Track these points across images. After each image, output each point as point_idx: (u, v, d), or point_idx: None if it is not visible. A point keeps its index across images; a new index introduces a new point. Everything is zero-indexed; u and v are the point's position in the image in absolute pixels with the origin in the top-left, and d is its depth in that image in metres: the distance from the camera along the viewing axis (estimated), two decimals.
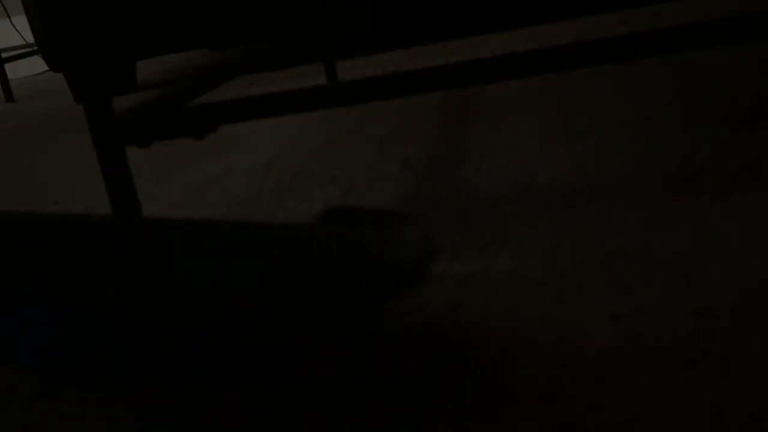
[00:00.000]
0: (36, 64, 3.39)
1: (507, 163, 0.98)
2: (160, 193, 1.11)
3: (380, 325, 0.59)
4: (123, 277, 0.53)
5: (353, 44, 2.17)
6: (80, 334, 0.52)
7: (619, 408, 0.46)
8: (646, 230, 0.70)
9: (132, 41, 0.77)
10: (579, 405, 0.47)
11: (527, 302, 0.60)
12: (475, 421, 0.47)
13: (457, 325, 0.58)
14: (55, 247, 0.62)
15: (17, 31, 3.27)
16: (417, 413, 0.48)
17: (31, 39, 3.08)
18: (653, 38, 0.70)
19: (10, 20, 3.25)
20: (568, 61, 0.71)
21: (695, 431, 0.43)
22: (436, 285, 0.65)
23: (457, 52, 1.93)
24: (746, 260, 0.61)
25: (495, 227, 0.77)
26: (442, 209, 0.86)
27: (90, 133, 0.77)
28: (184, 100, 0.87)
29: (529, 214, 0.79)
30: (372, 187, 0.98)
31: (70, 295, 0.53)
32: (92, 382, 0.59)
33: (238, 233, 0.58)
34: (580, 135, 1.04)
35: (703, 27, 0.69)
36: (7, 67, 2.79)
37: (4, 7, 3.12)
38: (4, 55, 2.82)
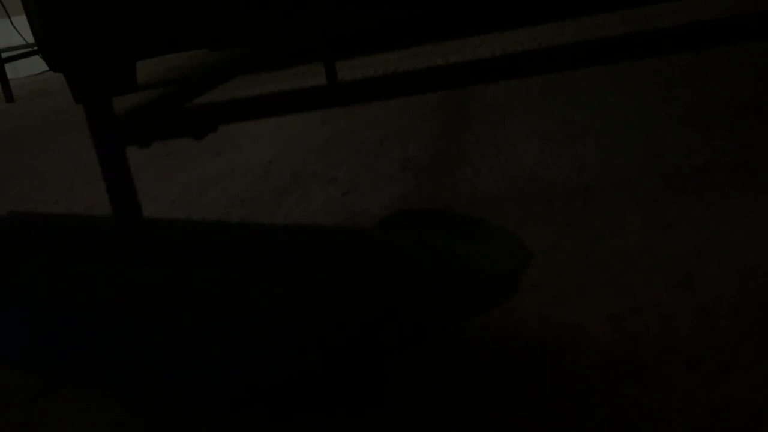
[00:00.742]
0: (36, 64, 3.39)
1: (507, 162, 0.98)
2: (160, 193, 1.11)
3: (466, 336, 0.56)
4: (194, 284, 0.51)
5: (353, 44, 2.17)
6: (141, 345, 0.49)
7: (618, 408, 0.46)
8: (646, 230, 0.70)
9: (132, 41, 0.77)
10: (578, 405, 0.47)
11: (527, 302, 0.60)
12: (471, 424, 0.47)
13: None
14: (110, 251, 0.61)
15: (17, 31, 3.27)
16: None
17: (31, 39, 3.08)
18: (653, 38, 0.70)
19: (10, 20, 3.25)
20: (568, 61, 0.71)
21: (695, 431, 0.43)
22: None
23: (457, 52, 1.93)
24: (746, 260, 0.61)
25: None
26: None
27: (90, 133, 0.77)
28: (184, 100, 0.87)
29: (529, 214, 0.79)
30: (372, 187, 0.98)
31: (130, 303, 0.50)
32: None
33: (319, 238, 0.55)
34: (580, 135, 1.04)
35: (703, 27, 0.69)
36: (7, 67, 2.79)
37: (4, 7, 3.12)
38: (4, 55, 2.82)
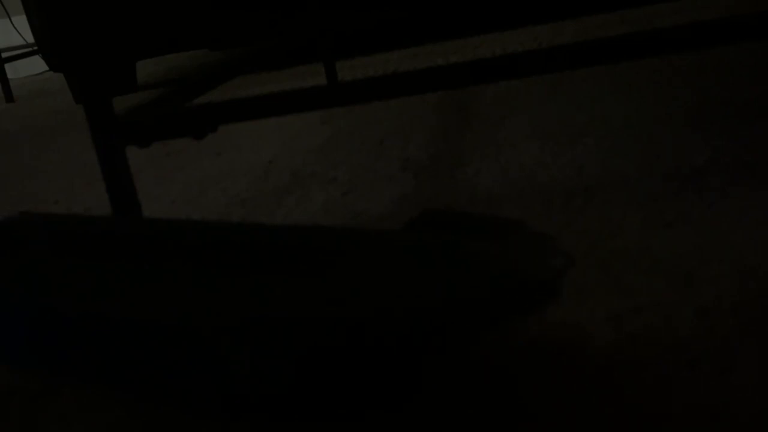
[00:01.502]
0: (36, 64, 3.39)
1: (507, 162, 0.98)
2: (160, 193, 1.11)
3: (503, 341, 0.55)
4: (221, 288, 0.49)
5: (353, 44, 2.16)
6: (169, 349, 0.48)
7: (619, 408, 0.46)
8: (646, 230, 0.70)
9: (132, 41, 0.77)
10: (577, 405, 0.47)
11: None
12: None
13: None
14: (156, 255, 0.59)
15: (17, 31, 3.27)
16: None
17: (31, 39, 3.08)
18: (653, 38, 0.70)
19: (10, 20, 3.24)
20: (568, 61, 0.71)
21: (696, 431, 0.43)
22: None
23: (457, 52, 1.93)
24: (747, 260, 0.61)
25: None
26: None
27: (90, 133, 0.77)
28: (184, 100, 0.87)
29: (529, 214, 0.79)
30: (372, 187, 0.98)
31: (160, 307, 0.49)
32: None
33: (354, 240, 0.54)
34: (580, 135, 1.04)
35: (703, 27, 0.69)
36: (7, 67, 2.79)
37: (4, 7, 3.12)
38: (4, 55, 2.82)
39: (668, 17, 1.78)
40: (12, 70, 2.95)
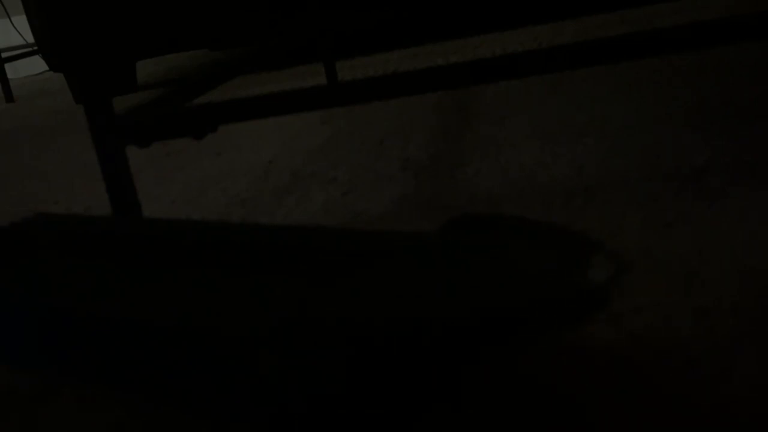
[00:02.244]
0: (36, 64, 3.39)
1: (507, 162, 0.98)
2: (160, 193, 1.11)
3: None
4: (256, 291, 0.47)
5: (353, 44, 2.16)
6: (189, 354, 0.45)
7: (621, 409, 0.46)
8: (646, 230, 0.70)
9: (132, 41, 0.77)
10: (577, 403, 0.46)
11: None
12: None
13: None
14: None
15: (17, 31, 3.27)
16: None
17: (31, 39, 3.08)
18: (653, 38, 0.70)
19: (10, 20, 3.24)
20: (568, 61, 0.71)
21: (698, 431, 0.43)
22: None
23: (457, 52, 1.93)
24: (746, 260, 0.61)
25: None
26: (442, 209, 0.86)
27: (90, 133, 0.77)
28: (184, 100, 0.87)
29: (529, 215, 0.79)
30: (372, 187, 0.98)
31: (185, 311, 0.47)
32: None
33: (390, 243, 0.52)
34: (580, 135, 1.04)
35: (703, 27, 0.69)
36: (7, 67, 2.79)
37: (4, 7, 3.12)
38: (4, 55, 2.82)
39: (668, 17, 1.78)
40: (12, 70, 2.95)
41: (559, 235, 0.53)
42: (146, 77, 2.68)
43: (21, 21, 3.03)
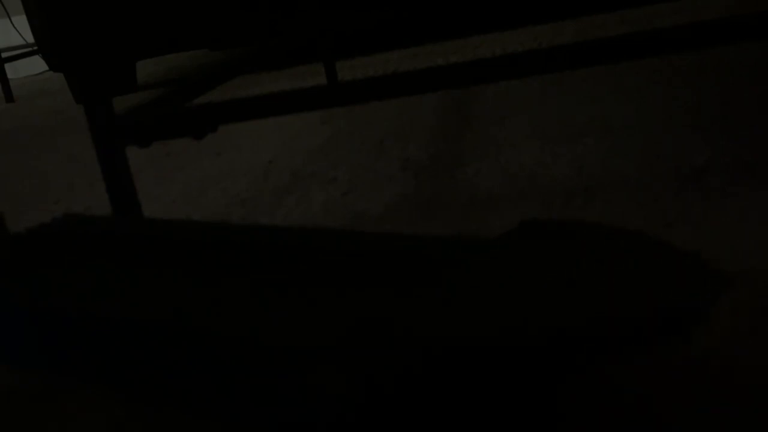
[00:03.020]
0: (36, 64, 3.39)
1: (507, 162, 0.98)
2: (160, 193, 1.11)
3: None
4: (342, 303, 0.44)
5: (353, 44, 2.16)
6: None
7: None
8: (646, 230, 0.70)
9: (132, 41, 0.77)
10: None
11: None
12: None
13: None
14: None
15: (17, 31, 3.27)
16: None
17: (31, 39, 3.08)
18: (653, 38, 0.70)
19: (10, 20, 3.24)
20: (568, 61, 0.71)
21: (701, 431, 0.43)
22: None
23: (457, 52, 1.93)
24: (746, 260, 0.61)
25: (496, 228, 0.77)
26: (442, 209, 0.86)
27: (90, 133, 0.77)
28: (184, 100, 0.87)
29: (529, 215, 0.79)
30: (372, 187, 0.98)
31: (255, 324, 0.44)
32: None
33: (464, 250, 0.49)
34: (580, 135, 1.04)
35: (703, 27, 0.69)
36: (7, 67, 2.79)
37: (4, 7, 3.12)
38: (4, 55, 2.82)
39: (668, 17, 1.78)
40: (12, 70, 2.95)
41: (654, 246, 0.50)
42: (146, 77, 2.68)
43: (21, 21, 3.03)
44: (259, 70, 2.04)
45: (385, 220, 0.86)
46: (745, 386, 0.46)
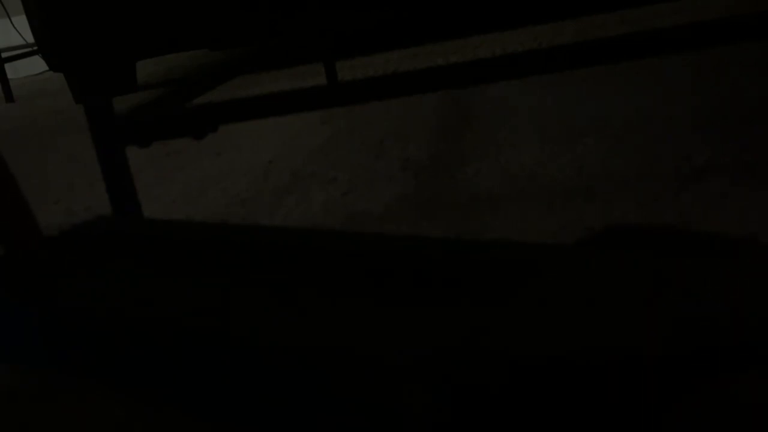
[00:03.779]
0: (36, 64, 3.39)
1: (507, 162, 0.98)
2: (160, 193, 1.11)
3: None
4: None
5: (353, 44, 2.16)
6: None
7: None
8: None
9: (132, 41, 0.77)
10: None
11: None
12: None
13: None
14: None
15: (17, 31, 3.27)
16: None
17: (31, 39, 3.08)
18: (653, 38, 0.70)
19: (10, 20, 3.24)
20: (568, 61, 0.71)
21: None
22: None
23: (457, 52, 1.93)
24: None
25: (496, 228, 0.77)
26: (443, 209, 0.86)
27: (90, 133, 0.77)
28: (184, 100, 0.87)
29: (529, 214, 0.79)
30: (372, 187, 0.98)
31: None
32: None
33: (553, 257, 0.44)
34: (580, 135, 1.04)
35: (703, 27, 0.69)
36: (7, 67, 2.79)
37: (4, 7, 3.12)
38: (4, 55, 2.82)
39: (668, 17, 1.78)
40: (12, 70, 2.95)
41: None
42: (146, 77, 2.68)
43: (21, 21, 3.03)
44: (259, 70, 2.04)
45: (385, 220, 0.86)
46: None
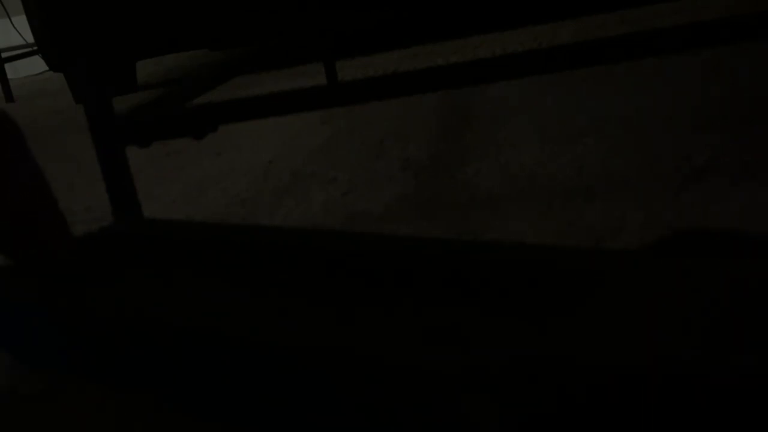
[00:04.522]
0: (36, 64, 3.39)
1: (507, 163, 0.98)
2: (160, 193, 1.11)
3: None
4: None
5: (353, 44, 2.16)
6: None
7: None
8: (646, 230, 0.70)
9: (132, 41, 0.77)
10: None
11: None
12: None
13: None
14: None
15: (17, 31, 3.27)
16: None
17: (31, 39, 3.08)
18: (653, 38, 0.70)
19: (10, 20, 3.24)
20: (568, 61, 0.71)
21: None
22: None
23: (457, 52, 1.93)
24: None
25: (496, 227, 0.77)
26: (443, 209, 0.86)
27: (90, 133, 0.77)
28: (184, 100, 0.87)
29: (529, 215, 0.79)
30: (372, 187, 0.98)
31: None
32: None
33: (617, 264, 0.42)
34: (580, 135, 1.04)
35: (703, 27, 0.69)
36: (7, 67, 2.79)
37: (4, 7, 3.12)
38: (4, 55, 2.82)
39: (668, 17, 1.78)
40: (12, 70, 2.95)
41: None
42: (146, 77, 2.68)
43: (21, 21, 3.03)
44: (259, 70, 2.04)
45: (385, 220, 0.86)
46: None
